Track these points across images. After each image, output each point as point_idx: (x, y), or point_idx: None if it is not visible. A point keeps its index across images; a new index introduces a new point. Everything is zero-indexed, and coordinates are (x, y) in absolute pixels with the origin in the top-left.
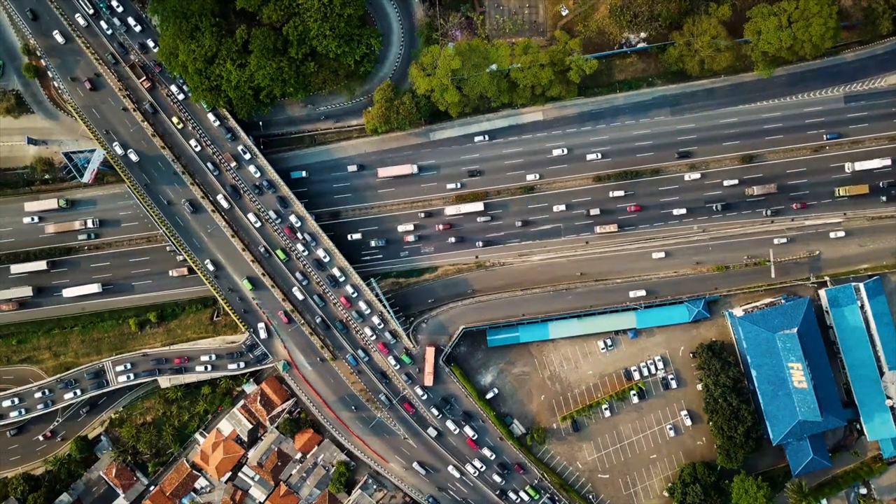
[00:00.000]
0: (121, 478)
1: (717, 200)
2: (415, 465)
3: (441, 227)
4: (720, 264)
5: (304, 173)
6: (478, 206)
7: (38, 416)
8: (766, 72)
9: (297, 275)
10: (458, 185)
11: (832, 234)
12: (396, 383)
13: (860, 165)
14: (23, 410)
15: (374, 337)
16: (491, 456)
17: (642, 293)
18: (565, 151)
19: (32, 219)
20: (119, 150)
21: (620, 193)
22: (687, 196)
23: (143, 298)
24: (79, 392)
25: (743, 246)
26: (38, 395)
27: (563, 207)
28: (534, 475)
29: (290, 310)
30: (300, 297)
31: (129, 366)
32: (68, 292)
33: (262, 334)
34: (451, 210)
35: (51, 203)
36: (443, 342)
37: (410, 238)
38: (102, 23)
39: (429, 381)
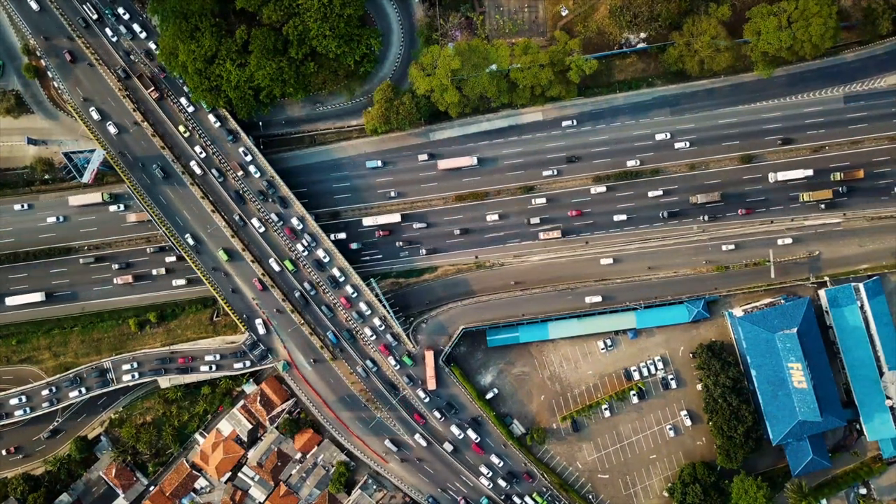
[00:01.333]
0: (121, 478)
1: (666, 208)
2: (387, 442)
3: (574, 212)
4: (720, 264)
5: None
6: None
7: (37, 417)
8: (766, 72)
9: (305, 284)
10: (555, 173)
11: (779, 241)
12: (409, 398)
13: (783, 176)
14: (28, 409)
15: (374, 337)
16: (499, 463)
17: (598, 299)
18: (668, 136)
19: (57, 218)
20: (113, 130)
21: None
22: (636, 203)
23: (143, 298)
24: (83, 390)
25: (742, 246)
26: (45, 392)
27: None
28: (542, 482)
29: (290, 310)
30: (313, 310)
31: (135, 364)
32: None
33: (261, 330)
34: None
35: (95, 197)
36: (441, 344)
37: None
38: (108, 30)
39: (432, 384)
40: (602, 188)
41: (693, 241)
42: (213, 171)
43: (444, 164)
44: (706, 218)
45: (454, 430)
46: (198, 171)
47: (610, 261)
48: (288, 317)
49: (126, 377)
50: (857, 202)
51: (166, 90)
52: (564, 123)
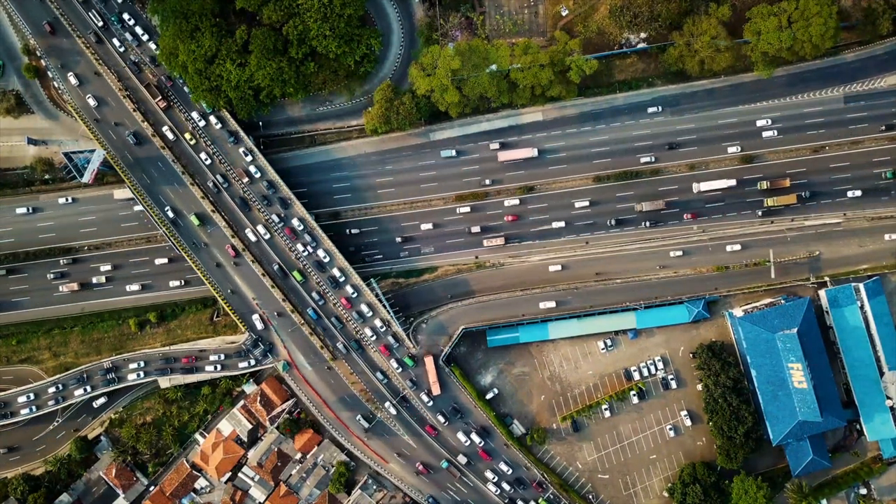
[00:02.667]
0: (121, 478)
1: (613, 215)
2: (358, 418)
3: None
4: (720, 264)
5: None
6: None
7: (37, 417)
8: (766, 72)
9: (314, 294)
10: (653, 159)
11: (728, 248)
12: (415, 405)
13: (706, 186)
14: (34, 408)
15: (374, 338)
16: (508, 471)
17: (552, 304)
18: (769, 122)
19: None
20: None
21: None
22: (562, 213)
23: (143, 298)
24: (89, 389)
25: (743, 246)
26: (51, 389)
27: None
28: (549, 490)
29: (290, 310)
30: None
31: (142, 364)
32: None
33: (259, 325)
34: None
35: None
36: (440, 347)
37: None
38: (115, 40)
39: (436, 389)
40: (587, 200)
41: (635, 246)
42: (218, 176)
43: (504, 155)
44: (647, 224)
45: (460, 436)
46: (212, 187)
47: (558, 267)
48: (288, 317)
49: (132, 376)
50: (814, 208)
51: (174, 100)
52: (651, 109)
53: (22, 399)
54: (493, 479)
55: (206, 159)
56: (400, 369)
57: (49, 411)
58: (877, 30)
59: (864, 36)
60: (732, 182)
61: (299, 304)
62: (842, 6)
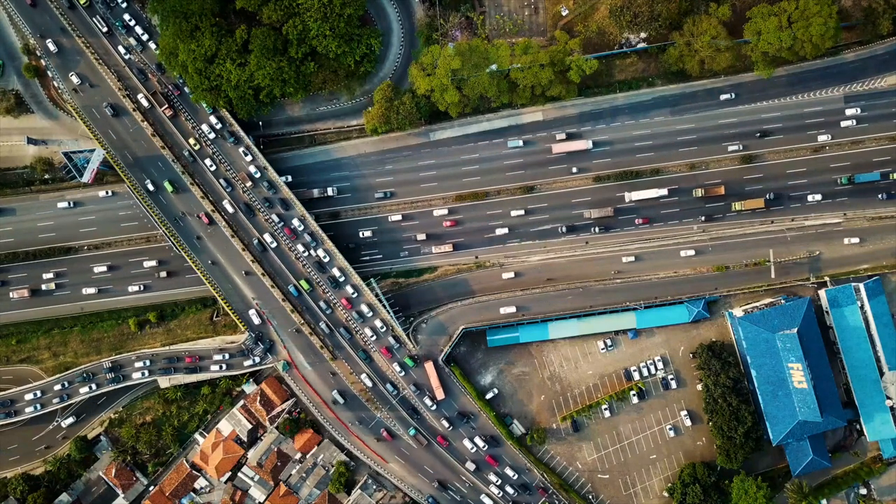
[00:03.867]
0: (120, 478)
1: (562, 221)
2: (335, 393)
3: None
4: (720, 264)
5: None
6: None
7: (36, 417)
8: (767, 72)
9: (322, 303)
10: (741, 147)
11: (682, 253)
12: (426, 417)
13: (637, 195)
14: (38, 405)
15: (375, 338)
16: (513, 476)
17: (512, 309)
18: (859, 112)
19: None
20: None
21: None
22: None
23: (142, 298)
24: (94, 386)
25: (743, 246)
26: (57, 387)
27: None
28: (556, 497)
29: (290, 310)
30: (327, 331)
31: (148, 362)
32: None
33: (256, 320)
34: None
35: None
36: (439, 350)
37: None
38: (121, 48)
39: (440, 394)
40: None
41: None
42: (222, 180)
43: (559, 147)
44: (596, 230)
45: (466, 443)
46: (229, 209)
47: (511, 274)
48: (288, 317)
49: (136, 374)
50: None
51: (181, 109)
52: (723, 97)
53: (29, 396)
54: (497, 482)
55: (210, 166)
56: (403, 373)
57: (49, 411)
58: (877, 30)
59: (864, 36)
60: (664, 191)
61: (308, 317)
62: (842, 6)
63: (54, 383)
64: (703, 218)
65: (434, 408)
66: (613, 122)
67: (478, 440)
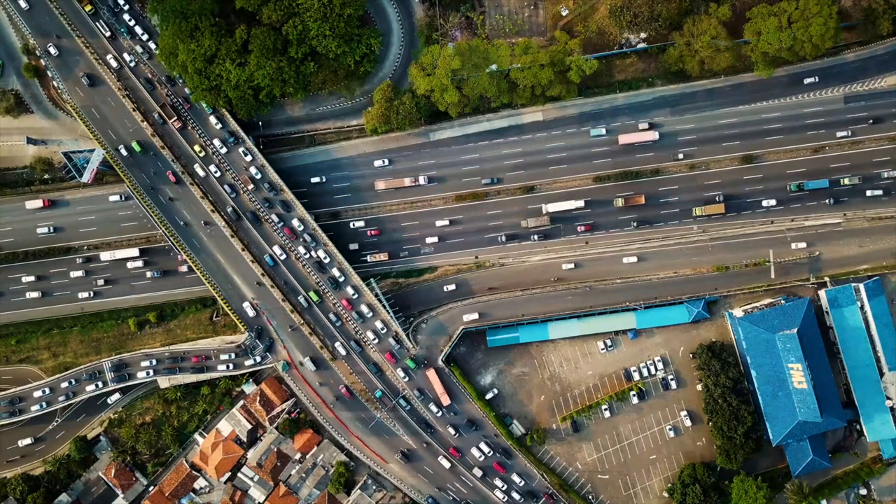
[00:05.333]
0: (120, 478)
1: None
2: (305, 358)
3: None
4: (720, 264)
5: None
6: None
7: (36, 417)
8: (767, 72)
9: (331, 315)
10: (850, 133)
11: (625, 260)
12: (434, 424)
13: (553, 207)
14: (44, 404)
15: (376, 340)
16: (520, 482)
17: (475, 316)
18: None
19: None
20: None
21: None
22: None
23: (142, 298)
24: (100, 385)
25: (744, 246)
26: (63, 384)
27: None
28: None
29: (290, 310)
30: (343, 351)
31: (153, 362)
32: None
33: (250, 312)
34: None
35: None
36: (439, 350)
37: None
38: (126, 55)
39: (445, 399)
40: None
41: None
42: (226, 186)
43: (624, 138)
44: (537, 238)
45: (475, 452)
46: (232, 215)
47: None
48: (287, 316)
49: (141, 374)
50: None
51: (190, 121)
52: (807, 81)
53: (38, 394)
54: (503, 486)
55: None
56: (407, 378)
57: (49, 411)
58: (877, 30)
59: (864, 36)
60: (580, 203)
61: (319, 329)
62: (842, 6)
63: (61, 381)
64: (634, 224)
65: (440, 414)
66: (613, 121)
67: (483, 446)
